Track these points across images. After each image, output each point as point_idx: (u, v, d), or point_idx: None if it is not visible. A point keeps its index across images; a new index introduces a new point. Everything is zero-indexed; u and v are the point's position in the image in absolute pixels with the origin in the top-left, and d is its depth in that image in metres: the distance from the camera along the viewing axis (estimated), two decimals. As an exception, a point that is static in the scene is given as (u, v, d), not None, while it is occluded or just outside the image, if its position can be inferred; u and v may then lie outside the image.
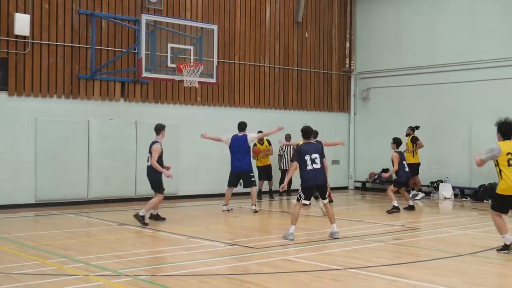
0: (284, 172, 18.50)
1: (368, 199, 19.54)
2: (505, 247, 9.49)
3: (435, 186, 19.52)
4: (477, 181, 18.63)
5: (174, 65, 15.53)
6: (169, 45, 15.72)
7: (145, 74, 15.01)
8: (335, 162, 22.04)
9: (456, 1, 19.95)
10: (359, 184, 22.55)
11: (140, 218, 12.26)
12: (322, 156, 10.93)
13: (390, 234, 11.70)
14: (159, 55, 15.74)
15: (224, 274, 7.98)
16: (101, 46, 16.74)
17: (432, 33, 20.39)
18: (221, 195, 18.41)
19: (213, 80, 16.35)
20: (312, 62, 21.70)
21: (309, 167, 10.63)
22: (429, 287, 7.38)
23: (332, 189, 17.14)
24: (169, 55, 15.60)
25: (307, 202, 10.98)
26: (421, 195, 18.86)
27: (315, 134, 15.01)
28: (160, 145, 12.62)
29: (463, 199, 18.75)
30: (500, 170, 9.34)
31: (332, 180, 17.93)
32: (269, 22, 20.42)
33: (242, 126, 15.10)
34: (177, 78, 15.49)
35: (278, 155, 18.99)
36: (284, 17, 20.85)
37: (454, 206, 17.44)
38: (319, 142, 13.36)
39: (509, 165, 9.28)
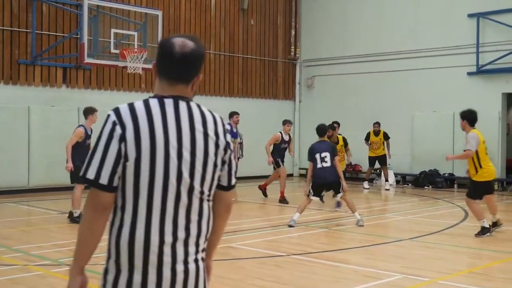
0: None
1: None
2: (486, 230, 9.95)
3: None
4: (418, 168, 19.07)
5: (117, 51, 15.29)
6: (113, 30, 15.45)
7: (87, 60, 14.73)
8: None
9: (399, -10, 20.29)
10: (304, 172, 22.73)
11: (77, 219, 10.81)
12: (333, 155, 11.23)
13: (333, 220, 11.88)
14: (102, 41, 15.45)
15: (168, 262, 7.94)
16: (42, 31, 16.32)
17: (377, 22, 20.66)
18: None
19: (158, 67, 16.17)
20: (257, 49, 21.71)
21: (319, 165, 11.07)
22: (370, 271, 7.53)
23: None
24: (112, 40, 15.35)
25: (315, 198, 11.27)
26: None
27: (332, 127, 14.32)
28: (85, 129, 11.05)
29: (405, 185, 19.17)
30: (478, 158, 9.75)
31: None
32: (214, 8, 20.30)
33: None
34: (120, 64, 15.26)
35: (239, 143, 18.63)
36: (230, 4, 20.75)
37: (395, 192, 17.81)
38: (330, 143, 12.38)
39: (486, 153, 9.87)
